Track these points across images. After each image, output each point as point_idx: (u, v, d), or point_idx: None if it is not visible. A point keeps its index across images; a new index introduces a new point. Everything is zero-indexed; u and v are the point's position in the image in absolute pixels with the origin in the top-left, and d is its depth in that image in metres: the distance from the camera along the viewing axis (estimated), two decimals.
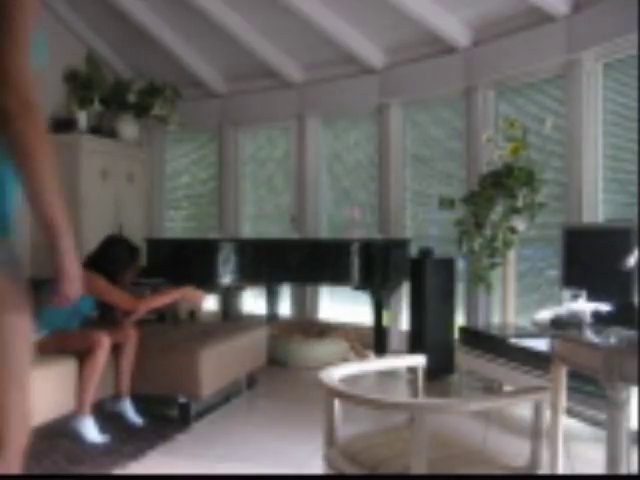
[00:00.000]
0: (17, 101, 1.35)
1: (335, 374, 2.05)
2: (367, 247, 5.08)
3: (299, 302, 6.47)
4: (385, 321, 5.23)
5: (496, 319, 4.97)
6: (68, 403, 3.32)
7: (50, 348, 3.42)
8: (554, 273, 4.45)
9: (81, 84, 6.31)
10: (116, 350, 3.56)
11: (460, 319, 5.22)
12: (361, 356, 5.40)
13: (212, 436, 3.53)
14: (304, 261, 5.22)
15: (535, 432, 1.93)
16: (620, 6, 4.08)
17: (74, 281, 1.52)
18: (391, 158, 5.91)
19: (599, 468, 2.34)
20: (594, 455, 2.87)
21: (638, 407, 2.30)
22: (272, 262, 5.30)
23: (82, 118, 6.21)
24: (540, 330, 2.09)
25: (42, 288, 3.53)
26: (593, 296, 2.64)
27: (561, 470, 2.17)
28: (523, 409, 3.68)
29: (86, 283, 3.58)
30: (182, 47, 6.58)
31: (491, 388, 4.30)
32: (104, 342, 3.39)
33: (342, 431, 2.06)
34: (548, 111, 4.74)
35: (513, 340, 3.89)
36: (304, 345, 5.24)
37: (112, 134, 6.61)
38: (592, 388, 3.18)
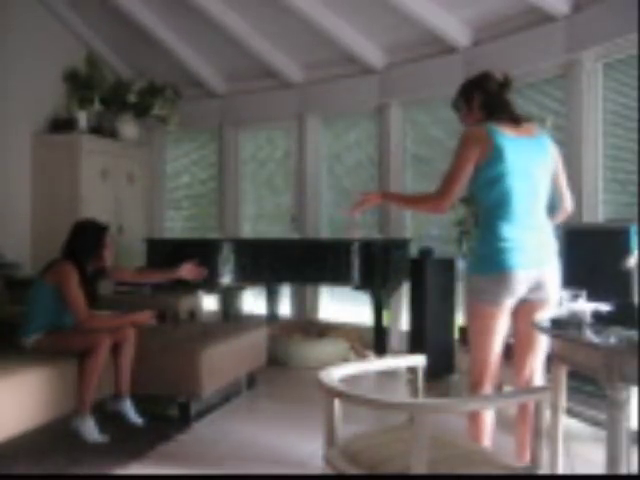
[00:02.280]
0: None
1: (335, 374, 2.05)
2: (367, 247, 5.08)
3: (299, 302, 6.47)
4: (385, 321, 5.22)
5: None
6: (68, 403, 3.32)
7: (49, 348, 3.42)
8: None
9: (81, 84, 6.31)
10: (115, 350, 3.56)
11: (460, 319, 5.21)
12: (361, 356, 5.40)
13: (212, 436, 3.53)
14: (304, 261, 5.22)
15: (535, 432, 1.94)
16: (620, 6, 4.08)
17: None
18: (391, 158, 5.91)
19: (599, 468, 2.34)
20: (594, 455, 2.86)
21: (638, 407, 2.30)
22: (272, 262, 5.30)
23: (82, 118, 6.21)
24: (540, 330, 2.09)
25: (37, 288, 3.55)
26: (593, 296, 2.63)
27: (561, 470, 2.17)
28: None
29: (61, 274, 3.57)
30: (182, 47, 6.57)
31: None
32: (104, 341, 3.39)
33: (342, 431, 2.06)
34: (548, 111, 4.73)
35: (513, 340, 3.88)
36: (304, 345, 5.24)
37: (112, 134, 6.61)
38: (592, 388, 3.18)
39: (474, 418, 2.56)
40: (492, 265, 2.48)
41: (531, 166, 2.52)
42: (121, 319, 3.65)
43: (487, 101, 2.61)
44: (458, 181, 2.49)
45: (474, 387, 2.61)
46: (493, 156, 2.46)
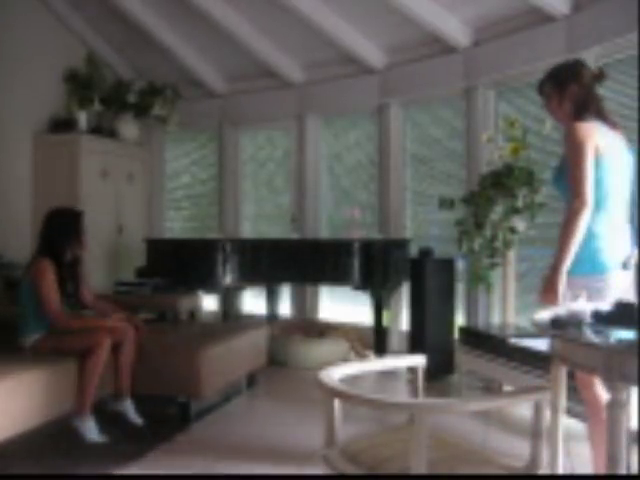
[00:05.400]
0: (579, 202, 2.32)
1: (335, 374, 2.05)
2: (367, 247, 5.08)
3: (299, 302, 6.47)
4: (385, 321, 5.23)
5: (496, 319, 4.97)
6: (68, 403, 3.32)
7: (49, 348, 3.42)
8: None
9: (81, 84, 6.31)
10: (115, 350, 3.55)
11: (460, 319, 5.22)
12: (361, 356, 5.40)
13: (212, 436, 3.53)
14: (304, 261, 5.22)
15: (535, 432, 1.93)
16: (620, 6, 4.08)
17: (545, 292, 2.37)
18: (391, 158, 5.91)
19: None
20: None
21: (638, 407, 2.30)
22: (272, 262, 5.30)
23: (82, 118, 6.21)
24: (540, 330, 2.09)
25: (23, 288, 3.54)
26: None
27: (561, 470, 2.17)
28: (523, 409, 3.68)
29: (36, 271, 3.49)
30: (182, 47, 6.58)
31: (491, 388, 4.29)
32: (104, 341, 3.39)
33: (342, 431, 2.06)
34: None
35: (513, 340, 3.89)
36: (304, 345, 5.24)
37: (112, 134, 6.61)
38: None
39: (597, 423, 2.37)
40: (586, 265, 2.37)
41: (624, 167, 2.47)
42: (95, 322, 3.60)
43: (581, 94, 2.49)
44: (589, 177, 2.34)
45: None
46: (599, 158, 2.38)
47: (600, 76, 2.53)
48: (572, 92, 2.50)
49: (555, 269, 2.34)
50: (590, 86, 2.50)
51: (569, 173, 2.39)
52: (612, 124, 2.51)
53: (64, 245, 3.62)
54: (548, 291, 2.35)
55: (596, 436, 2.37)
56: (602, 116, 2.49)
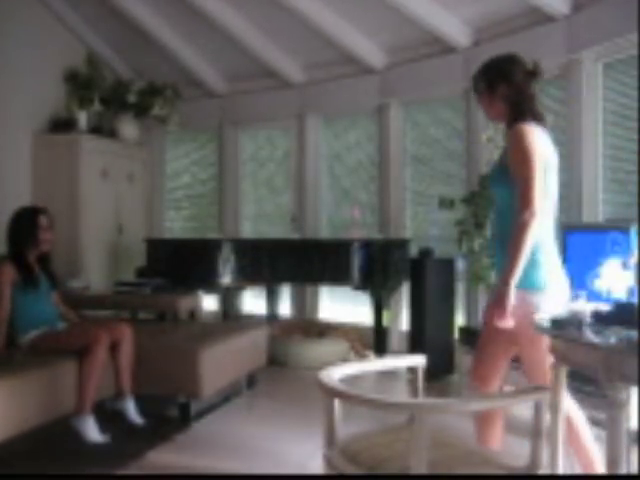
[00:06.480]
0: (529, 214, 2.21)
1: (335, 374, 2.05)
2: (367, 247, 5.08)
3: (299, 302, 6.47)
4: (385, 321, 5.22)
5: None
6: (68, 403, 3.32)
7: (46, 347, 3.42)
8: None
9: (81, 84, 6.31)
10: (113, 349, 3.55)
11: (460, 319, 5.22)
12: (361, 356, 5.40)
13: (212, 436, 3.53)
14: (304, 261, 5.22)
15: (535, 432, 1.93)
16: (620, 6, 4.08)
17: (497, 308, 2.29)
18: (391, 158, 5.91)
19: (599, 468, 2.33)
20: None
21: (638, 407, 2.30)
22: (272, 262, 5.30)
23: (82, 118, 6.21)
24: (540, 330, 2.09)
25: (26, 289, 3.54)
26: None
27: (561, 470, 2.17)
28: (523, 409, 3.68)
29: None
30: (182, 47, 6.57)
31: None
32: (103, 339, 3.39)
33: (342, 431, 2.06)
34: (548, 111, 4.72)
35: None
36: (304, 345, 5.24)
37: (112, 134, 6.61)
38: (592, 388, 3.18)
39: (485, 421, 2.46)
40: (545, 280, 2.30)
41: (556, 172, 2.39)
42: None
43: (512, 95, 2.35)
44: (538, 186, 2.22)
45: None
46: (543, 165, 2.27)
47: (534, 73, 2.36)
48: (502, 92, 2.36)
49: (505, 283, 2.23)
50: (522, 86, 2.35)
51: (517, 182, 2.26)
52: (544, 125, 2.38)
53: (23, 245, 3.65)
54: (499, 307, 2.25)
55: (570, 441, 2.34)
56: (536, 117, 2.36)
